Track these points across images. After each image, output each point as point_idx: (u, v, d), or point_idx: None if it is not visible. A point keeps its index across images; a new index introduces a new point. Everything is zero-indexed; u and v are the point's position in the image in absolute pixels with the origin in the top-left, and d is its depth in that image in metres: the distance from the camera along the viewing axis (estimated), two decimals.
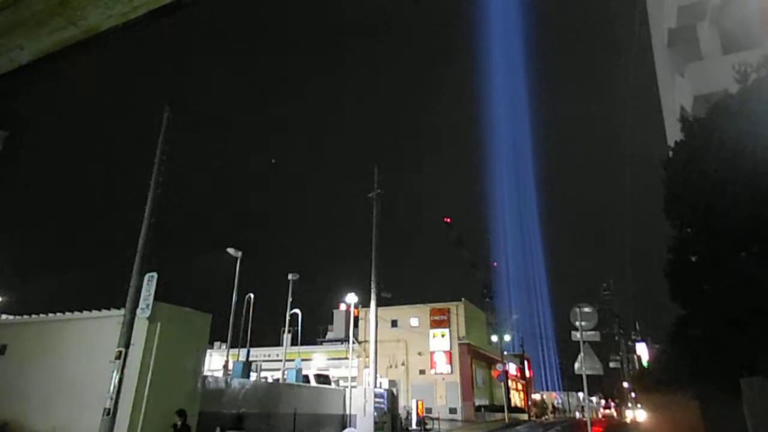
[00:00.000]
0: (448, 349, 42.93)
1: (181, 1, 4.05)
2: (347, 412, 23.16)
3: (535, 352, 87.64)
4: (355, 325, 30.31)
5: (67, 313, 14.77)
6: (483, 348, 46.91)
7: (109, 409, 10.93)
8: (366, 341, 37.99)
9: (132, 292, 12.12)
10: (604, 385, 71.54)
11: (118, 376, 11.20)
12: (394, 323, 43.88)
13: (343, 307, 46.80)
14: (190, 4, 4.24)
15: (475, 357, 43.97)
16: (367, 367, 34.85)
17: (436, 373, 42.56)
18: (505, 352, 47.49)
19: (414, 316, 44.65)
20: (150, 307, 12.74)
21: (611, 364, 47.92)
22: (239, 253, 24.85)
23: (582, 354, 13.59)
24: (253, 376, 25.58)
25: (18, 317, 16.58)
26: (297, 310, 32.95)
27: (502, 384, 46.12)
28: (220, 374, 23.14)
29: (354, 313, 29.62)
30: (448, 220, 52.72)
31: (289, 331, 34.43)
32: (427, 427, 29.09)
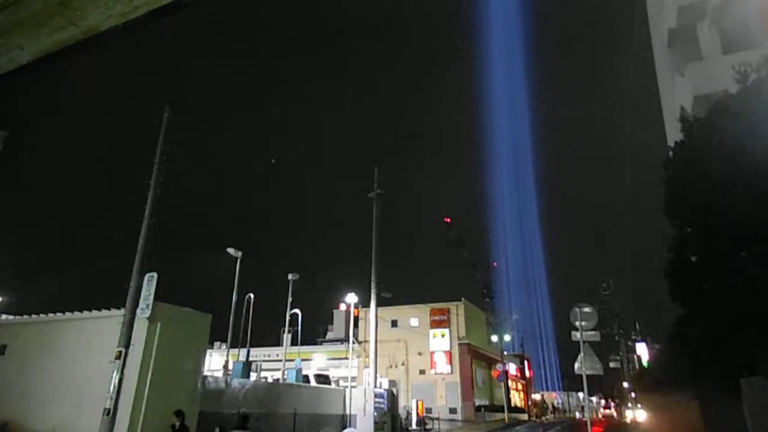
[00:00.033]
0: (448, 349, 42.93)
1: (181, 1, 4.05)
2: (347, 412, 23.17)
3: (535, 352, 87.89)
4: (355, 325, 30.31)
5: (67, 313, 14.77)
6: (483, 348, 46.92)
7: (109, 409, 10.92)
8: (366, 341, 37.99)
9: (132, 292, 12.12)
10: (604, 385, 71.53)
11: (118, 376, 11.20)
12: (394, 323, 43.88)
13: (343, 307, 46.80)
14: (190, 4, 4.23)
15: (475, 357, 43.98)
16: (367, 367, 34.84)
17: (436, 373, 42.56)
18: (505, 352, 47.49)
19: (414, 316, 44.65)
20: (150, 307, 12.75)
21: (611, 364, 47.91)
22: (239, 253, 24.85)
23: (582, 354, 13.60)
24: (253, 376, 25.58)
25: (18, 317, 16.58)
26: (297, 310, 32.97)
27: (502, 384, 46.13)
28: (220, 374, 23.14)
29: (354, 313, 29.62)
30: (448, 220, 52.74)
31: (289, 331, 34.43)
32: (427, 427, 29.08)
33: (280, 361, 31.66)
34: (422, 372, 43.00)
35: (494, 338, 47.84)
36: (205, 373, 16.27)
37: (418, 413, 28.69)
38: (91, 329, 13.86)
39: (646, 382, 16.45)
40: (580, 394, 68.21)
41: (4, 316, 18.13)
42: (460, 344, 42.89)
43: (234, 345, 26.59)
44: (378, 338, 25.88)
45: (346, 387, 24.44)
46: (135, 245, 12.48)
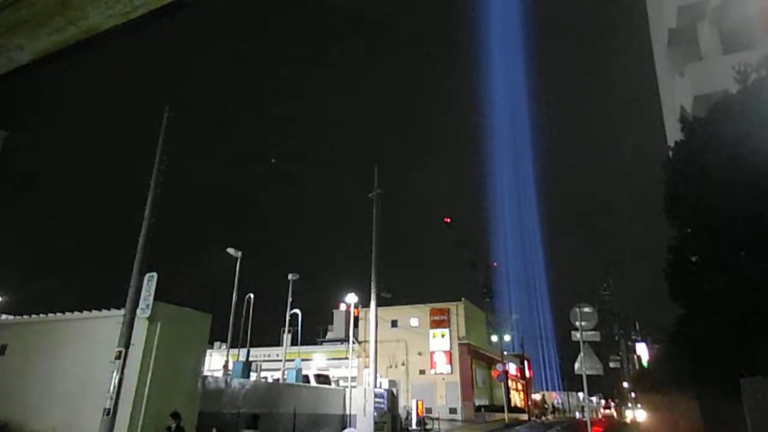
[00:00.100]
0: (448, 349, 42.91)
1: (181, 1, 4.05)
2: (347, 412, 23.16)
3: (535, 352, 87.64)
4: (355, 325, 30.30)
5: (67, 313, 14.77)
6: (483, 348, 46.89)
7: (109, 409, 10.92)
8: (366, 341, 37.98)
9: (132, 292, 12.12)
10: (604, 385, 71.59)
11: (118, 376, 11.20)
12: (394, 323, 43.85)
13: (343, 307, 46.79)
14: (190, 4, 4.24)
15: (475, 357, 43.95)
16: (367, 367, 34.83)
17: (436, 373, 42.54)
18: (505, 352, 47.44)
19: (414, 316, 44.62)
20: (150, 307, 12.74)
21: (611, 364, 47.90)
22: (239, 253, 24.85)
23: (582, 354, 13.59)
24: (253, 376, 25.57)
25: (18, 317, 16.57)
26: (297, 310, 32.93)
27: (502, 384, 46.07)
28: (220, 374, 23.14)
29: (354, 313, 29.62)
30: (448, 220, 52.63)
31: (289, 331, 34.40)
32: (427, 427, 29.06)
33: (280, 361, 31.65)
34: (422, 372, 42.97)
35: (494, 338, 47.79)
36: (205, 373, 16.26)
37: (418, 413, 28.66)
38: (91, 329, 13.85)
39: (646, 382, 16.46)
40: (580, 394, 68.22)
41: (4, 316, 18.12)
42: (460, 344, 42.87)
43: (234, 345, 26.58)
44: (378, 338, 25.85)
45: (346, 387, 24.44)
46: (135, 245, 12.49)
